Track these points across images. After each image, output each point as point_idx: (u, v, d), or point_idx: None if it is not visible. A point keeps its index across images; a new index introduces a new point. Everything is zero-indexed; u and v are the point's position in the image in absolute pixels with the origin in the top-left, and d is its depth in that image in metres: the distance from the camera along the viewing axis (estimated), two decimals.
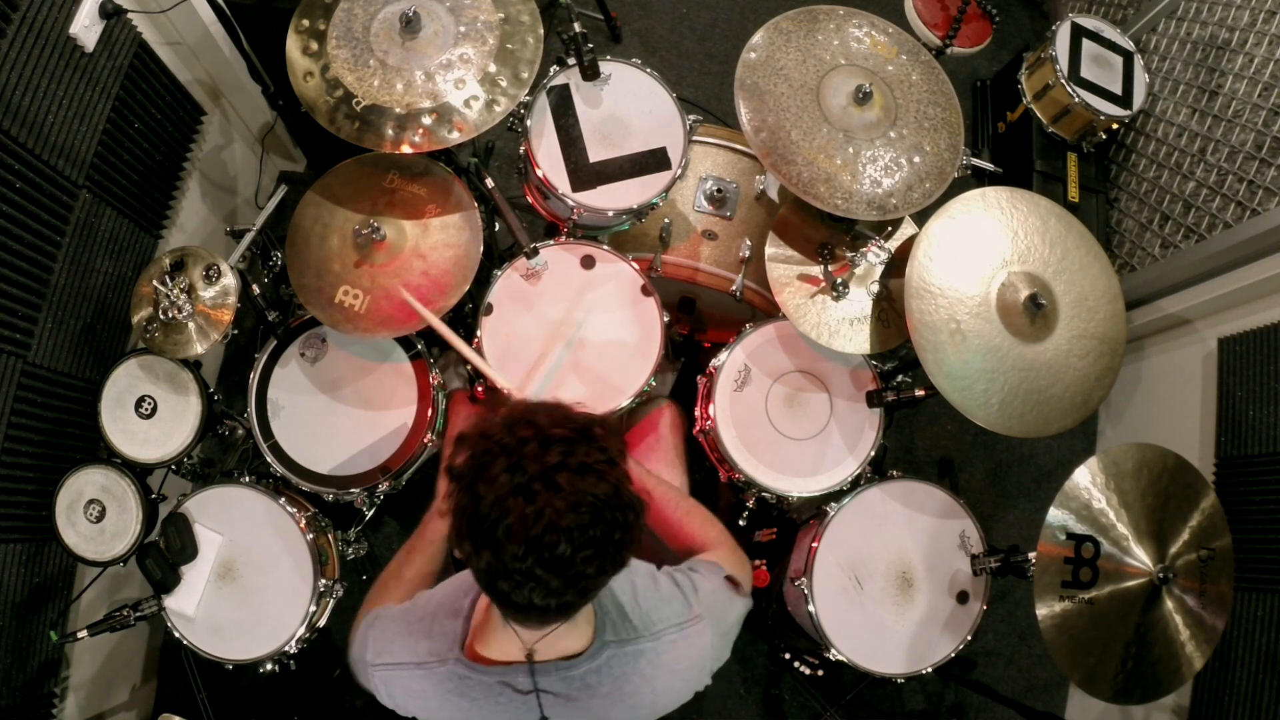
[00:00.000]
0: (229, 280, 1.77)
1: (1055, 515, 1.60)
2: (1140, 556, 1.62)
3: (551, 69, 1.94)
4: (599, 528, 0.92)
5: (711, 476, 2.03)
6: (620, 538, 0.95)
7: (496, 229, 2.21)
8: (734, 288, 1.99)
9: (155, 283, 1.73)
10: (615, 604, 1.15)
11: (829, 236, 1.87)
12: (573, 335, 1.82)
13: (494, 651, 1.11)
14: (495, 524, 0.91)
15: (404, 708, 1.18)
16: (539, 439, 0.93)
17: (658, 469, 1.82)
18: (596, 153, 1.90)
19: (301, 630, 1.75)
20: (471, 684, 1.11)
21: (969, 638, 1.83)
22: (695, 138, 2.03)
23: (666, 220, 2.01)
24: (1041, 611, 1.58)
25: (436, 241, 1.78)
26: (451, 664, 1.12)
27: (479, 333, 1.82)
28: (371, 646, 1.18)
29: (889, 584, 1.85)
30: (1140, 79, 2.62)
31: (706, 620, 1.19)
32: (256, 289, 1.85)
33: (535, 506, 0.90)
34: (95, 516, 1.74)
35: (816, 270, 1.85)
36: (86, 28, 1.69)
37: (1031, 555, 1.63)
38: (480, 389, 1.90)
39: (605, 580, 1.00)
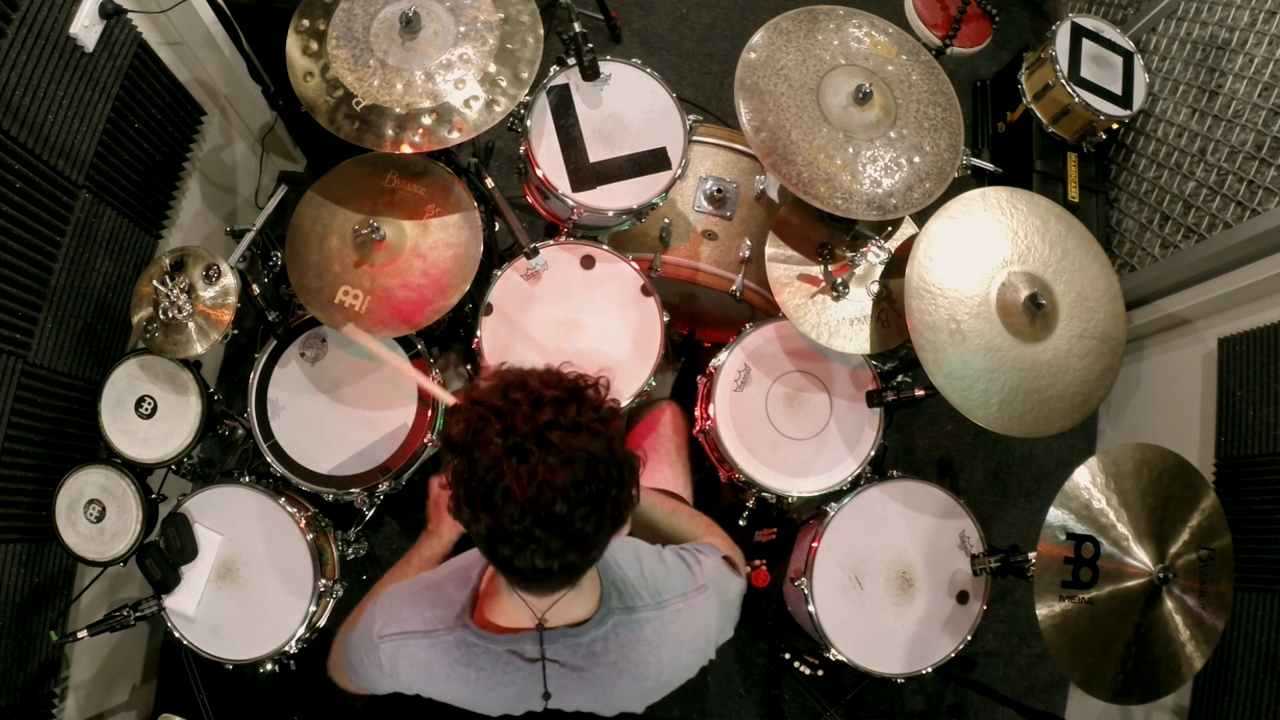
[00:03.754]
0: (229, 280, 1.77)
1: (1055, 515, 1.60)
2: (1140, 556, 1.62)
3: (551, 69, 1.94)
4: (594, 483, 0.92)
5: (711, 476, 2.03)
6: (617, 494, 0.95)
7: (496, 229, 2.21)
8: (734, 288, 1.99)
9: (155, 283, 1.73)
10: (621, 575, 1.15)
11: (829, 236, 1.87)
12: (573, 335, 1.82)
13: (502, 618, 1.11)
14: (491, 487, 0.90)
15: (409, 684, 1.16)
16: (530, 400, 0.92)
17: (659, 469, 1.82)
18: (596, 153, 1.90)
19: (301, 630, 1.75)
20: (479, 652, 1.11)
21: (969, 638, 1.83)
22: (695, 138, 2.03)
23: (666, 220, 2.01)
24: (1041, 611, 1.58)
25: (436, 241, 1.78)
26: (459, 631, 1.11)
27: (479, 332, 1.82)
28: (378, 619, 1.16)
29: (889, 584, 1.85)
30: (1140, 79, 2.62)
31: (712, 590, 1.19)
32: (256, 289, 1.85)
33: (529, 466, 0.89)
34: (95, 516, 1.74)
35: (816, 270, 1.85)
36: (86, 28, 1.69)
37: (1031, 555, 1.63)
38: None
39: (605, 539, 0.99)
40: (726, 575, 1.25)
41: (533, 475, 0.89)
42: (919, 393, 1.82)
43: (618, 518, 0.97)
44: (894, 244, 1.87)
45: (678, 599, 1.16)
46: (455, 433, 0.95)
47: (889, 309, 1.83)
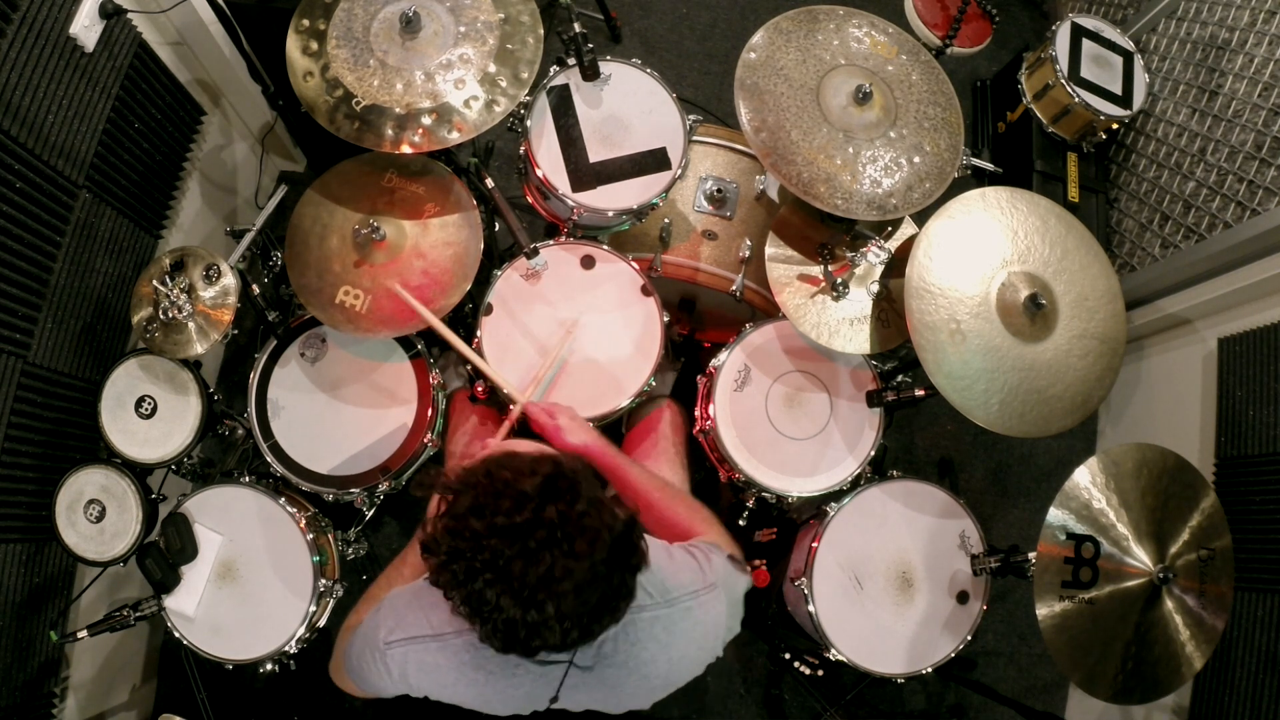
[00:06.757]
0: (229, 280, 1.77)
1: (1055, 515, 1.60)
2: (1140, 556, 1.62)
3: (551, 69, 1.94)
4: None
5: (711, 476, 2.03)
6: (611, 609, 1.01)
7: (496, 229, 2.21)
8: (734, 288, 1.99)
9: (155, 283, 1.73)
10: None
11: (829, 236, 1.87)
12: (573, 335, 1.82)
13: None
14: (470, 581, 0.96)
15: (418, 687, 1.15)
16: (520, 543, 0.95)
17: (658, 468, 1.82)
18: (596, 153, 1.90)
19: (301, 630, 1.75)
20: (487, 655, 1.09)
21: (969, 638, 1.83)
22: (695, 138, 2.03)
23: (666, 220, 2.01)
24: (1041, 611, 1.58)
25: (436, 240, 1.78)
26: (467, 635, 1.10)
27: (479, 333, 1.82)
28: (384, 625, 1.15)
29: (889, 584, 1.85)
30: (1140, 79, 2.62)
31: (721, 588, 1.19)
32: (256, 289, 1.85)
33: (523, 610, 0.95)
34: (95, 516, 1.74)
35: (816, 270, 1.85)
36: (86, 28, 1.69)
37: (1031, 555, 1.63)
38: (480, 389, 1.89)
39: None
40: (734, 573, 1.25)
41: (524, 617, 0.96)
42: (919, 393, 1.82)
43: (611, 621, 1.04)
44: (894, 244, 1.87)
45: (687, 597, 1.16)
46: (452, 484, 1.01)
47: (889, 309, 1.83)
